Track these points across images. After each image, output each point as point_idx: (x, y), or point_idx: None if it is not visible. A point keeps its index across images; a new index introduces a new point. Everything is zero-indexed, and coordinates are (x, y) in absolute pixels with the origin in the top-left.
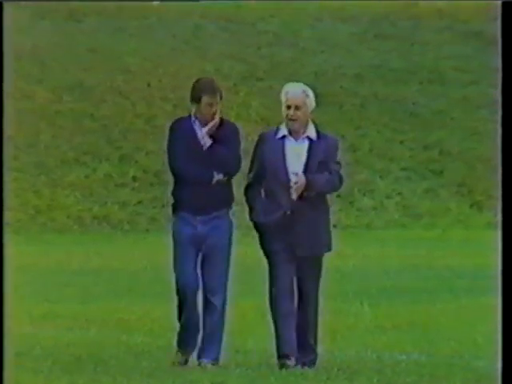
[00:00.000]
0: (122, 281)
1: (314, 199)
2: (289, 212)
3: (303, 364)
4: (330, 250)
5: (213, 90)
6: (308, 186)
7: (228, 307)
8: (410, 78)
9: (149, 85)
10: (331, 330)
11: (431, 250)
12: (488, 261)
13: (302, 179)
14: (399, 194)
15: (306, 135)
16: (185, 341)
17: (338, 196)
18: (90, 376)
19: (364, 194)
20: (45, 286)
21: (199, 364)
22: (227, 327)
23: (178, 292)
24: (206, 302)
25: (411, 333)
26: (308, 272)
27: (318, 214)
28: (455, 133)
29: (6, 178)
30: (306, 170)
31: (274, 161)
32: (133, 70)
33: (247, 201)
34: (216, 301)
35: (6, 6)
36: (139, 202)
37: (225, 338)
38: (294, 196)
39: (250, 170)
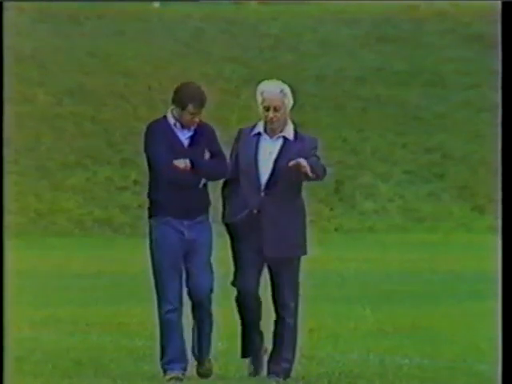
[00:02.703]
0: (123, 285)
1: (282, 198)
2: (255, 211)
3: (276, 374)
4: (305, 253)
5: (200, 100)
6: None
7: (228, 312)
8: (412, 81)
9: (150, 88)
10: (333, 334)
11: (433, 254)
12: (490, 264)
13: (303, 160)
14: (401, 197)
15: (282, 134)
16: (178, 363)
17: (340, 199)
18: (90, 380)
19: (366, 198)
20: (45, 289)
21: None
22: (227, 332)
23: (165, 303)
24: (201, 311)
25: (413, 337)
26: (282, 277)
27: (288, 214)
28: (457, 136)
29: (7, 181)
30: (274, 168)
31: (246, 158)
32: (134, 73)
33: (222, 200)
34: (211, 309)
35: (6, 6)
36: (140, 206)
37: (226, 344)
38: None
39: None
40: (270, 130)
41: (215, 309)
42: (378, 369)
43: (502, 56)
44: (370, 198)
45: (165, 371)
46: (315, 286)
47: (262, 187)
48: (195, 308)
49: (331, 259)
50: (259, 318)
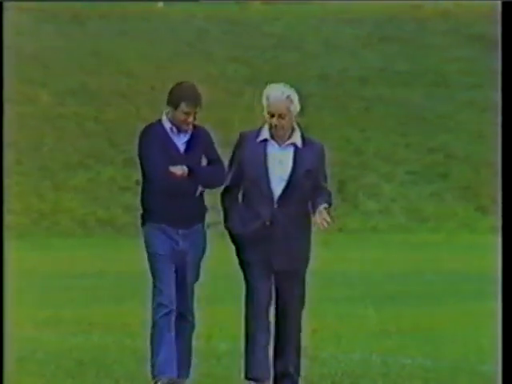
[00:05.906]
0: (126, 285)
1: (294, 210)
2: (268, 222)
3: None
4: (308, 265)
5: (193, 98)
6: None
7: (232, 312)
8: (415, 81)
9: (152, 88)
10: (336, 334)
11: (436, 254)
12: (493, 265)
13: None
14: (404, 197)
15: (290, 141)
16: (168, 367)
17: (344, 200)
18: (93, 380)
19: (369, 198)
20: (48, 289)
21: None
22: (231, 333)
23: (158, 312)
24: (181, 319)
25: (416, 337)
26: (289, 289)
27: (298, 226)
28: (460, 136)
29: (10, 181)
30: (291, 179)
31: (254, 166)
32: (136, 74)
33: (223, 205)
34: (191, 318)
35: (7, 6)
36: None
37: (229, 345)
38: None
39: (228, 172)
40: (278, 137)
41: (219, 309)
42: (381, 369)
43: (501, 56)
44: (373, 198)
45: (154, 376)
46: (318, 286)
47: (276, 198)
48: (177, 319)
49: (334, 259)
50: (269, 335)
